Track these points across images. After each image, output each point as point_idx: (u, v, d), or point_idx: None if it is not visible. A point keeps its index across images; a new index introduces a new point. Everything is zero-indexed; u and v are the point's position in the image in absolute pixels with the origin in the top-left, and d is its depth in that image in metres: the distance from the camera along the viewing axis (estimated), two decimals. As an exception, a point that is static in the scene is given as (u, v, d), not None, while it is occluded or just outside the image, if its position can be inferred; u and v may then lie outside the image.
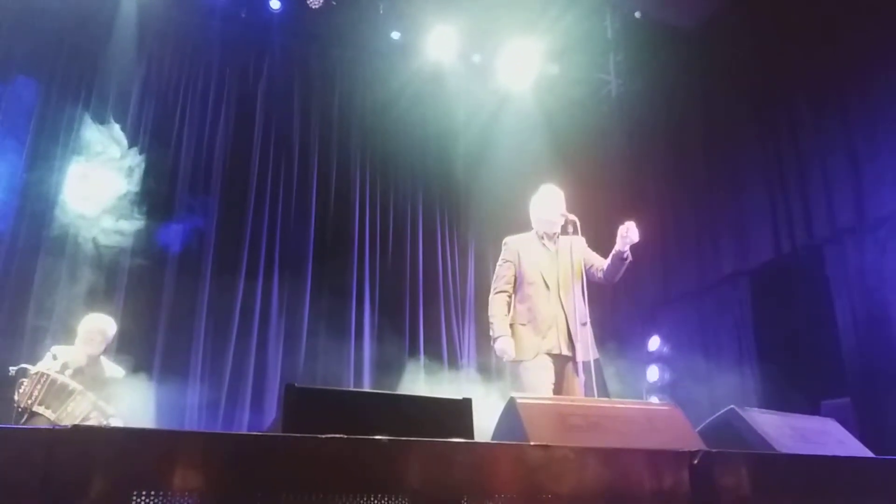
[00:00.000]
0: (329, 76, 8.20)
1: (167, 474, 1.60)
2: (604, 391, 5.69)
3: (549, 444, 2.05)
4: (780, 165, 6.15)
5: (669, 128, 7.54)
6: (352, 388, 6.80)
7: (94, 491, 1.51)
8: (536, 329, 4.02)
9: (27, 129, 6.48)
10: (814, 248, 5.84)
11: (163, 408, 5.78)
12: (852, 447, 2.95)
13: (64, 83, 6.82)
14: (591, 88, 8.62)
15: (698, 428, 2.76)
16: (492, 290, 4.29)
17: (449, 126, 8.56)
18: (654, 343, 7.33)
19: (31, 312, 6.01)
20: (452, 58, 8.07)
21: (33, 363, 4.68)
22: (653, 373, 7.20)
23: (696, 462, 2.13)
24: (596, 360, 4.04)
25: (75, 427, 1.61)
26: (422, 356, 7.53)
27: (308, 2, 7.41)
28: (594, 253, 4.29)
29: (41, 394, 4.46)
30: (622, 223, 3.93)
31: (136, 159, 6.75)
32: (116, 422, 4.66)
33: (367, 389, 6.89)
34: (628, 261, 4.01)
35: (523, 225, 4.49)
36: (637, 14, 8.01)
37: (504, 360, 4.11)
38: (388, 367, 7.19)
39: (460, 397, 2.42)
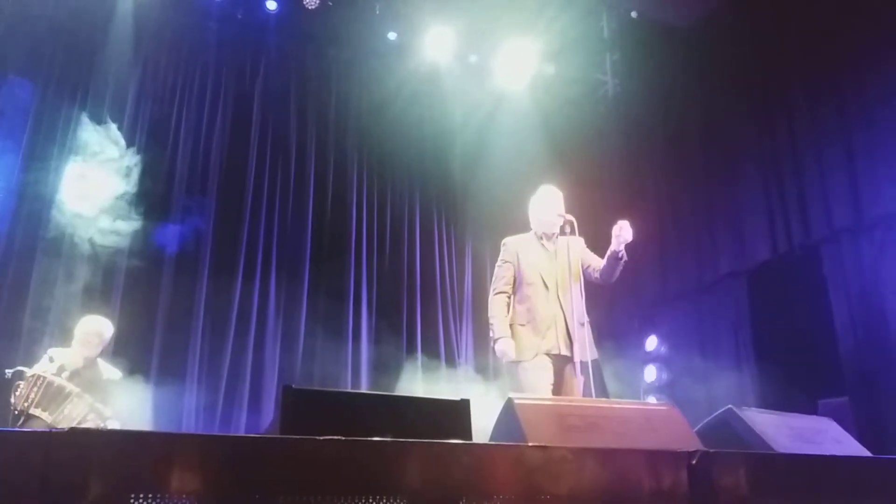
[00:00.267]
0: (325, 77, 8.20)
1: (165, 477, 1.59)
2: (603, 391, 5.70)
3: (548, 444, 2.05)
4: (778, 165, 6.16)
5: (666, 127, 7.55)
6: (349, 390, 6.79)
7: (92, 493, 1.51)
8: (536, 329, 4.02)
9: (24, 129, 6.47)
10: (811, 248, 5.85)
11: (160, 410, 5.77)
12: (850, 446, 2.96)
13: (60, 84, 6.80)
14: (587, 88, 8.62)
15: (696, 428, 2.76)
16: (491, 290, 4.30)
17: (446, 126, 8.56)
18: (652, 343, 7.34)
19: (28, 314, 5.99)
20: (449, 58, 8.07)
21: (30, 365, 4.67)
22: (650, 373, 7.20)
23: (694, 462, 2.13)
24: (595, 361, 4.05)
25: (73, 430, 1.60)
26: (419, 357, 7.53)
27: (304, 2, 7.40)
28: (592, 253, 4.30)
29: (37, 396, 4.46)
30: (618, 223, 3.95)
31: (132, 160, 6.73)
32: (113, 424, 4.65)
33: (364, 391, 6.89)
34: (623, 260, 4.02)
35: (521, 225, 4.49)
36: (633, 14, 8.01)
37: (504, 361, 4.11)
38: (386, 367, 7.18)
39: (458, 398, 2.42)
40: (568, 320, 4.00)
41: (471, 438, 2.32)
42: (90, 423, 4.55)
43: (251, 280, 7.07)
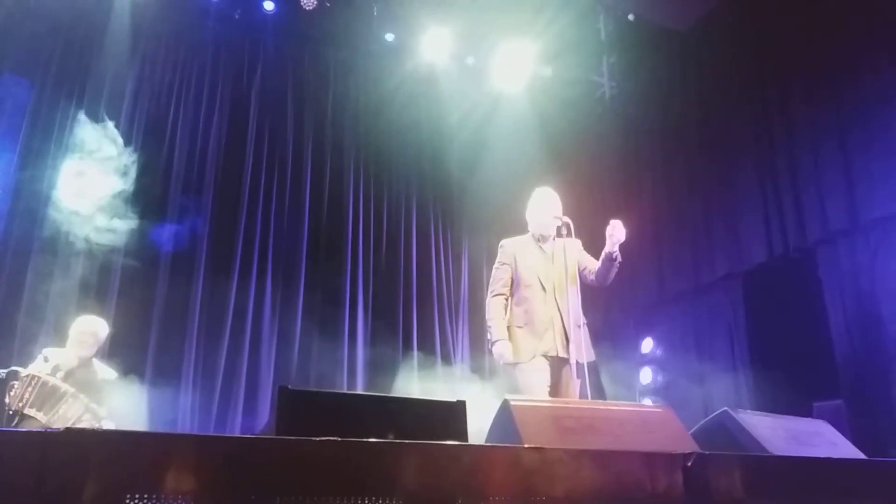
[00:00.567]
0: (323, 77, 8.20)
1: (160, 477, 1.59)
2: (600, 393, 5.71)
3: (543, 446, 2.05)
4: (774, 168, 6.17)
5: (663, 129, 7.56)
6: (345, 391, 6.79)
7: (88, 494, 1.51)
8: (533, 331, 4.03)
9: (20, 127, 6.45)
10: (807, 250, 5.87)
11: (155, 410, 5.75)
12: (844, 449, 2.97)
13: (57, 81, 6.78)
14: (584, 90, 8.64)
15: (692, 430, 2.76)
16: (489, 293, 4.30)
17: (443, 127, 8.57)
18: (648, 345, 7.35)
19: (23, 313, 5.97)
20: (446, 60, 8.07)
21: (24, 365, 4.65)
22: (646, 375, 7.21)
23: (689, 464, 2.14)
24: (592, 362, 4.06)
25: (68, 430, 1.60)
26: (415, 357, 7.53)
27: (302, 3, 7.40)
28: (588, 255, 4.30)
29: (32, 396, 4.43)
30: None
31: (129, 158, 6.72)
32: (109, 424, 4.63)
33: (360, 392, 6.88)
34: (618, 262, 4.03)
35: (517, 227, 4.49)
36: (630, 16, 8.02)
37: (501, 363, 4.12)
38: (382, 368, 7.18)
39: (454, 399, 2.42)
40: (565, 322, 4.00)
41: (467, 440, 2.32)
42: (85, 424, 4.52)
43: (247, 279, 7.06)
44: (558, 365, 3.99)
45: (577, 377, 3.83)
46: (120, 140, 6.73)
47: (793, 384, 5.36)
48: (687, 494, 2.10)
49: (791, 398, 5.20)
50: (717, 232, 6.69)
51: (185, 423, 6.21)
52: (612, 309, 7.54)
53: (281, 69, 7.95)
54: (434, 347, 7.75)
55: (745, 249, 6.36)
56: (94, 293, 6.30)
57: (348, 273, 7.58)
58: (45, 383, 4.48)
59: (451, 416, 2.35)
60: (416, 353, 7.58)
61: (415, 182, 8.42)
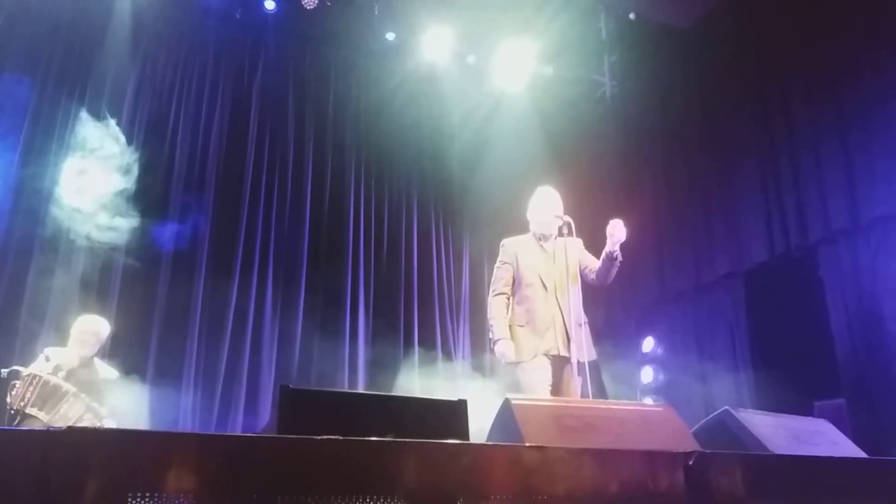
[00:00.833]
0: (324, 77, 8.19)
1: (162, 476, 1.59)
2: (601, 392, 5.71)
3: (545, 445, 2.06)
4: (775, 167, 6.17)
5: (664, 129, 7.56)
6: (346, 390, 6.79)
7: (90, 493, 1.51)
8: (535, 330, 4.03)
9: (22, 125, 6.46)
10: (808, 249, 5.86)
11: (156, 409, 5.76)
12: (846, 448, 2.97)
13: (59, 80, 6.78)
14: (585, 89, 8.63)
15: (693, 429, 2.76)
16: (490, 292, 4.31)
17: (444, 126, 8.57)
18: (649, 344, 7.35)
19: (24, 312, 5.98)
20: (447, 59, 8.07)
21: (26, 365, 4.66)
22: (647, 374, 7.21)
23: (690, 463, 2.13)
24: (594, 361, 4.06)
25: (70, 429, 1.60)
26: (416, 356, 7.53)
27: (303, 2, 7.40)
28: (589, 255, 4.31)
29: (34, 396, 4.44)
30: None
31: (131, 157, 6.72)
32: (110, 424, 4.64)
33: (361, 391, 6.88)
34: (618, 261, 4.03)
35: (519, 226, 4.50)
36: (631, 15, 8.02)
37: (503, 362, 4.12)
38: (383, 367, 7.18)
39: (455, 398, 2.42)
40: (566, 321, 4.00)
41: (468, 438, 2.32)
42: (86, 423, 4.53)
43: (248, 278, 7.06)
44: (560, 364, 4.00)
45: (579, 376, 3.84)
46: (122, 138, 6.73)
47: (794, 383, 5.36)
48: (688, 493, 2.10)
49: (792, 397, 5.19)
50: (718, 231, 6.69)
51: (187, 422, 6.21)
52: (614, 308, 7.53)
53: (282, 68, 7.95)
54: (435, 346, 7.75)
55: (746, 248, 6.35)
56: (96, 292, 6.30)
57: (349, 271, 7.58)
58: (46, 382, 4.48)
59: (452, 415, 2.36)
60: (417, 351, 7.58)
61: (416, 181, 8.41)
